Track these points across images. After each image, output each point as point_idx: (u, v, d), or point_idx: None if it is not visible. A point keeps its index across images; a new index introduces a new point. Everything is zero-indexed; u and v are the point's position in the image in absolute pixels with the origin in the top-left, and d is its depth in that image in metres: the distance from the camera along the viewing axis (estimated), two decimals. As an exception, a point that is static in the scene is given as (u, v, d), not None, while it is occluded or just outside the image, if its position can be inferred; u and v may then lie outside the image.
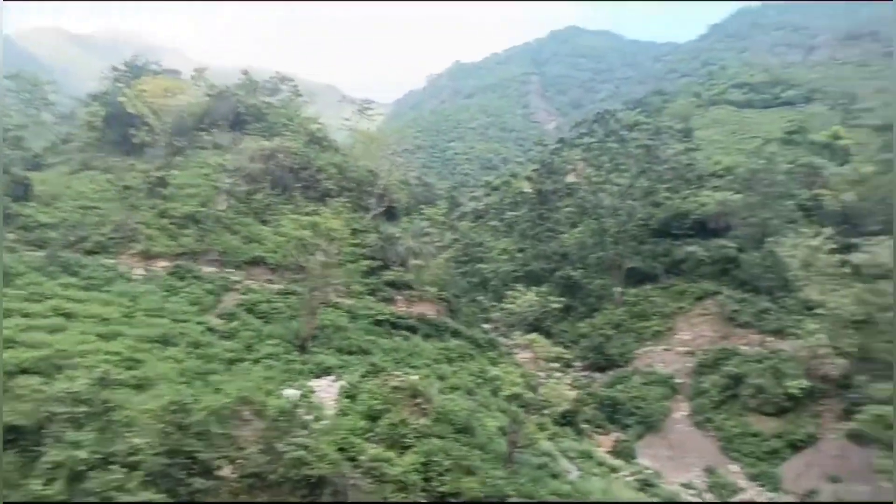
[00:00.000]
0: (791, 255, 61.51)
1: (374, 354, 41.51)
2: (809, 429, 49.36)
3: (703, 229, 74.35)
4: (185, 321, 38.71)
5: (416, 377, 35.28)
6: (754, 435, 50.34)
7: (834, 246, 62.38)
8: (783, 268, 62.34)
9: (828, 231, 64.64)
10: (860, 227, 66.14)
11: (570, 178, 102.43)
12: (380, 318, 48.85)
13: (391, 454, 28.59)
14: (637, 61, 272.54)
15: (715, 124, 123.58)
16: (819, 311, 57.50)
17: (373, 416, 31.00)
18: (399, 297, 55.01)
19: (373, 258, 54.71)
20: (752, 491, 45.46)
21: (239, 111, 74.50)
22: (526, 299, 61.98)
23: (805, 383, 50.95)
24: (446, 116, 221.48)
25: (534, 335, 56.13)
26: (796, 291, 61.16)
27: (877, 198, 69.03)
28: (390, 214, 67.64)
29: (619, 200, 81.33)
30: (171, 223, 51.29)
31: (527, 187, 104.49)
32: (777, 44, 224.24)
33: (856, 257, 61.70)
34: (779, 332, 58.80)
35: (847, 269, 62.38)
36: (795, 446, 48.65)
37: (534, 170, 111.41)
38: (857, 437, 43.53)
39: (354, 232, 52.87)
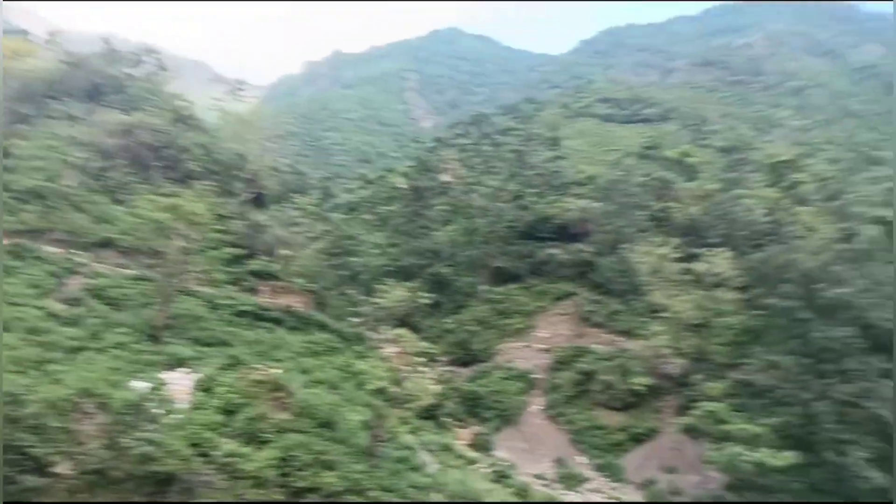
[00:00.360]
0: (641, 262, 66.19)
1: (235, 346, 39.97)
2: (651, 423, 53.39)
3: (566, 233, 78.14)
4: (21, 305, 35.32)
5: (279, 371, 34.39)
6: (601, 428, 53.71)
7: (679, 255, 67.87)
8: (634, 273, 66.85)
9: (674, 241, 70.17)
10: (703, 239, 72.31)
11: (445, 177, 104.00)
12: (242, 308, 47.11)
13: (247, 450, 27.68)
14: (512, 68, 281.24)
15: (581, 135, 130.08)
16: (663, 314, 62.43)
17: (230, 411, 29.85)
18: (264, 288, 53.34)
19: (238, 246, 52.66)
20: (597, 481, 48.43)
21: (96, 81, 68.97)
22: (396, 294, 62.21)
23: (648, 381, 54.98)
24: (323, 105, 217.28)
25: (402, 330, 56.61)
26: (645, 295, 65.84)
27: (718, 213, 75.78)
28: (259, 201, 65.43)
29: (489, 202, 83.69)
30: (11, 197, 46.57)
31: (402, 183, 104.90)
32: (639, 64, 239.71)
33: (697, 266, 67.58)
34: (627, 333, 63.03)
35: (689, 277, 68.14)
36: (638, 439, 52.43)
37: (410, 166, 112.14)
38: (691, 431, 47.55)
39: (219, 217, 50.65)
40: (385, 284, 63.86)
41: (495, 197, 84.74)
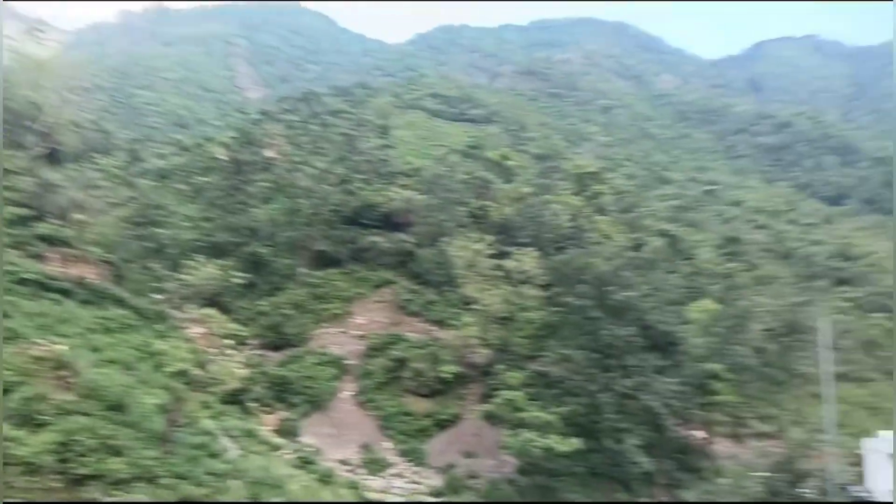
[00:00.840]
0: (458, 256, 68.90)
1: (13, 318, 35.51)
2: (455, 410, 55.82)
3: (389, 222, 79.02)
4: None
5: (64, 347, 31.12)
6: (408, 414, 55.18)
7: (492, 252, 71.57)
8: (451, 266, 69.36)
9: (489, 238, 73.88)
10: (514, 238, 76.80)
11: (269, 153, 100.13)
12: (25, 276, 41.97)
13: (21, 433, 24.80)
14: (347, 50, 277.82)
15: (410, 127, 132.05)
16: (474, 306, 65.55)
17: (3, 390, 26.50)
18: (53, 255, 47.91)
19: (24, 206, 46.77)
20: (400, 466, 49.72)
21: None
22: (206, 272, 58.97)
23: (455, 369, 57.40)
24: (138, 60, 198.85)
25: (210, 310, 53.79)
26: (459, 288, 68.59)
27: (529, 215, 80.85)
28: (54, 158, 58.55)
29: (315, 183, 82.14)
30: None
31: (221, 154, 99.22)
32: (470, 65, 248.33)
33: (508, 263, 71.70)
34: (440, 323, 65.32)
35: (500, 273, 72.08)
36: (442, 425, 54.58)
37: (232, 137, 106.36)
38: (490, 418, 50.42)
39: (4, 172, 44.56)
40: (194, 260, 60.27)
41: (321, 179, 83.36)
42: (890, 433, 54.35)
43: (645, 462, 47.60)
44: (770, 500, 39.67)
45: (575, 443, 44.88)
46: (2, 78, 55.27)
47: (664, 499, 49.54)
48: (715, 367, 56.63)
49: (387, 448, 51.70)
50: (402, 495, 45.98)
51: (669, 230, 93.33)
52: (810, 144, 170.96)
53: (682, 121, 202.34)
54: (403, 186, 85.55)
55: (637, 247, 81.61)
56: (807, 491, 36.64)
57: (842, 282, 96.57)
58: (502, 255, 72.89)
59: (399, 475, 48.59)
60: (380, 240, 74.95)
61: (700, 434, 60.21)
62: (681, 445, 57.24)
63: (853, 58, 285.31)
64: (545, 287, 70.33)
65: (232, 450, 37.96)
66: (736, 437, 59.72)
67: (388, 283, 71.21)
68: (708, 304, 74.48)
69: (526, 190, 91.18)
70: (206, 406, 41.79)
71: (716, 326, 62.37)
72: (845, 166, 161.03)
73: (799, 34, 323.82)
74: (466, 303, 66.70)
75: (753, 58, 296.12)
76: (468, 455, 51.41)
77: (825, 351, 68.46)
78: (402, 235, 76.12)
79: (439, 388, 57.21)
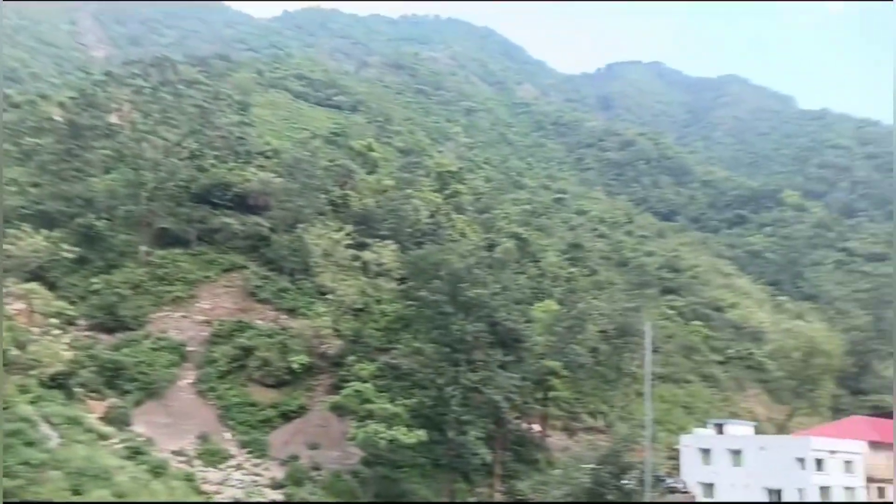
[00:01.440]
0: (316, 244, 67.59)
1: None
2: (302, 401, 54.80)
3: (243, 204, 75.70)
4: None
5: None
6: (252, 405, 53.38)
7: (351, 242, 70.99)
8: (307, 253, 67.89)
9: (348, 228, 73.18)
10: (374, 230, 76.66)
11: (113, 119, 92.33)
12: None
13: None
14: (208, 18, 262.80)
15: (272, 106, 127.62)
16: (329, 296, 64.66)
17: None
18: None
19: None
20: (241, 457, 48.03)
21: None
22: (31, 242, 53.49)
23: (305, 359, 56.32)
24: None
25: (34, 285, 48.97)
26: (314, 276, 67.31)
27: (390, 208, 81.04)
28: None
29: (162, 156, 76.83)
30: None
31: (58, 114, 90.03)
32: (338, 50, 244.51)
33: (365, 255, 71.49)
34: (292, 311, 63.74)
35: (357, 264, 71.69)
36: (287, 416, 53.38)
37: (70, 97, 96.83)
38: (338, 409, 49.98)
39: None
40: (19, 229, 54.44)
41: (170, 152, 78.09)
42: (702, 430, 60.69)
43: (485, 454, 49.49)
44: None
45: (420, 434, 45.68)
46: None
47: (499, 488, 51.83)
48: (554, 364, 59.97)
49: (227, 439, 49.75)
50: (240, 487, 44.48)
51: (521, 233, 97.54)
52: (649, 163, 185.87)
53: (538, 130, 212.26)
54: (261, 167, 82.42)
55: (490, 247, 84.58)
56: (628, 482, 39.87)
57: (668, 291, 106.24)
58: (361, 245, 72.51)
59: (238, 467, 46.95)
60: (232, 221, 71.59)
61: (537, 427, 63.66)
62: (519, 438, 60.21)
63: (691, 87, 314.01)
64: (401, 280, 70.91)
65: (53, 438, 34.86)
66: (569, 431, 63.82)
67: (238, 267, 68.23)
68: (551, 304, 78.79)
69: (388, 182, 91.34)
70: (23, 390, 38.05)
71: (556, 326, 66.04)
72: (678, 186, 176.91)
73: (647, 59, 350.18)
74: (321, 292, 65.64)
75: (605, 77, 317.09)
76: (313, 446, 50.74)
77: (650, 353, 74.81)
78: (256, 219, 73.26)
79: (287, 379, 55.85)
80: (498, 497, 51.49)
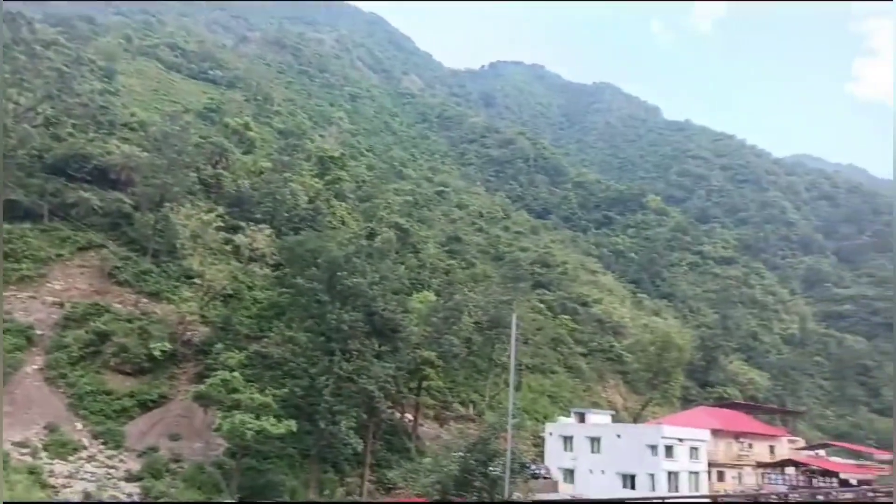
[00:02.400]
0: (183, 224, 63.99)
1: None
2: (163, 389, 51.71)
3: (104, 178, 70.09)
4: None
5: None
6: (107, 393, 49.70)
7: (222, 224, 67.88)
8: (173, 234, 64.17)
9: (220, 210, 69.91)
10: (248, 213, 73.78)
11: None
12: None
13: None
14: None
15: (140, 75, 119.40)
16: (196, 281, 61.45)
17: None
18: None
19: None
20: (93, 448, 44.67)
21: None
22: None
23: (168, 346, 53.18)
24: None
25: None
26: (180, 259, 63.76)
27: (267, 191, 78.31)
28: None
29: (13, 121, 69.58)
30: None
31: None
32: (215, 22, 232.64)
33: (238, 239, 68.65)
34: (155, 295, 59.95)
35: (229, 248, 68.73)
36: (147, 406, 50.19)
37: None
38: (202, 399, 47.62)
39: None
40: None
41: (22, 117, 70.93)
42: (566, 418, 63.63)
43: (356, 443, 49.12)
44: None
45: (290, 425, 44.53)
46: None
47: (370, 477, 51.71)
48: (429, 354, 60.60)
49: (78, 429, 46.03)
50: (92, 480, 41.36)
51: (402, 223, 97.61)
52: (527, 162, 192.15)
53: (422, 122, 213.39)
54: (125, 140, 76.75)
55: (371, 236, 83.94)
56: (495, 469, 40.93)
57: (540, 285, 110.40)
58: (233, 229, 69.57)
59: (91, 459, 43.62)
60: (90, 196, 66.02)
61: (409, 417, 64.08)
62: (391, 427, 60.32)
63: (568, 91, 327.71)
64: (276, 267, 68.80)
65: None
66: (441, 420, 64.77)
67: (95, 246, 63.04)
68: (428, 295, 79.57)
69: (265, 164, 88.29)
70: None
71: (433, 317, 66.77)
72: (552, 186, 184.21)
73: (528, 61, 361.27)
74: (188, 276, 62.33)
75: (489, 75, 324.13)
76: (174, 437, 48.13)
77: (515, 344, 77.46)
78: (118, 195, 68.03)
79: (147, 367, 52.45)
80: (367, 486, 51.35)
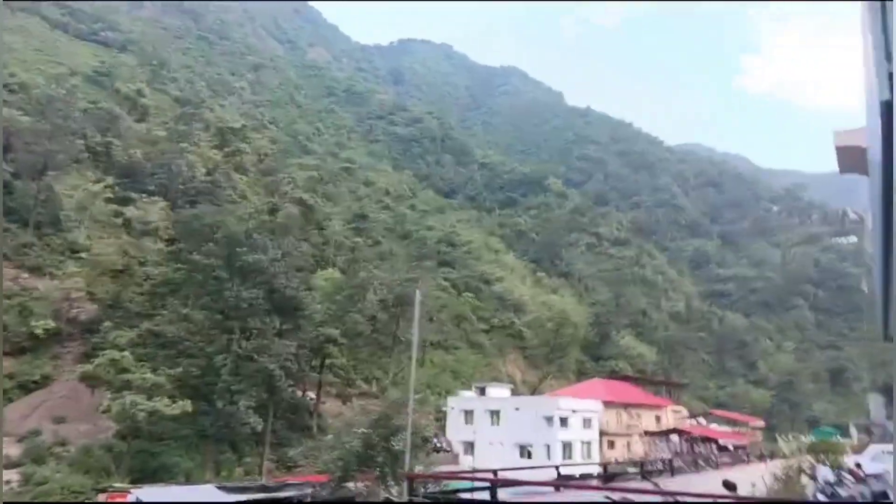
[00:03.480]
0: (69, 195, 60.11)
1: None
2: (46, 370, 48.77)
3: (-23, 143, 64.63)
4: None
5: None
6: (-18, 375, 46.33)
7: (112, 196, 64.26)
8: (58, 205, 60.21)
9: (110, 180, 66.09)
10: (140, 184, 70.16)
11: None
12: None
13: None
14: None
15: (21, 33, 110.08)
16: (83, 255, 57.99)
17: None
18: None
19: None
20: (-37, 435, 41.54)
21: None
22: None
23: (51, 324, 50.12)
24: None
25: None
26: (66, 232, 59.94)
27: (161, 161, 74.66)
28: None
29: None
30: None
31: None
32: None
33: (129, 212, 65.20)
34: (37, 270, 56.17)
35: (119, 221, 65.19)
36: (27, 388, 47.22)
37: None
38: (90, 380, 45.25)
39: None
40: None
41: None
42: (467, 392, 65.05)
43: (256, 423, 48.24)
44: None
45: (185, 405, 43.12)
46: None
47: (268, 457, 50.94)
48: (332, 332, 60.13)
49: (-54, 415, 42.64)
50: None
51: (306, 199, 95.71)
52: (434, 141, 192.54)
53: (329, 96, 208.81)
54: (4, 103, 70.86)
55: (273, 211, 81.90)
56: (397, 444, 41.31)
57: (445, 263, 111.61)
58: (124, 201, 66.01)
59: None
60: (-39, 163, 60.86)
61: (311, 395, 63.50)
62: (292, 406, 59.57)
63: (475, 73, 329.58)
64: (170, 242, 65.95)
65: None
66: (344, 398, 64.53)
67: (-33, 216, 58.32)
68: (333, 273, 78.80)
69: (160, 133, 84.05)
70: None
71: (337, 295, 66.23)
72: (458, 166, 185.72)
73: (437, 40, 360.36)
74: (73, 250, 58.70)
75: (397, 52, 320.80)
76: (58, 420, 45.52)
77: (424, 322, 78.17)
78: (-5, 162, 63.01)
79: (28, 346, 49.25)
80: (267, 465, 50.58)
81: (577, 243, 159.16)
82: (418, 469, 40.04)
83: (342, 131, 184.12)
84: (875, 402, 56.05)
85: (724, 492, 11.28)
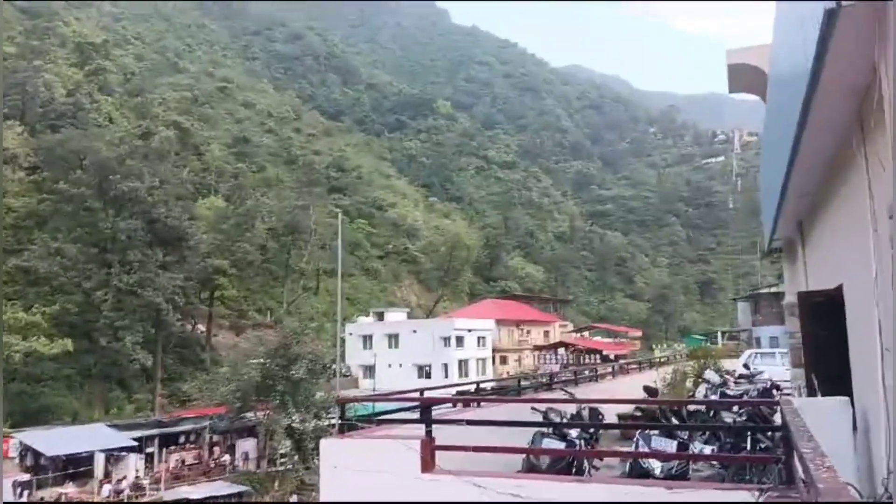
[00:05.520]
0: None
1: None
2: None
3: None
4: None
5: None
6: None
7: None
8: None
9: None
10: (-10, 106, 62.78)
11: None
12: None
13: None
14: None
15: None
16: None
17: None
18: None
19: None
20: None
21: None
22: None
23: None
24: None
25: None
26: None
27: (14, 82, 66.93)
28: None
29: None
30: None
31: None
32: None
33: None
34: None
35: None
36: None
37: None
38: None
39: None
40: None
41: None
42: (365, 318, 65.31)
43: (144, 358, 46.29)
44: None
45: (65, 344, 40.60)
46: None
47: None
48: (220, 262, 57.90)
49: None
50: None
51: (181, 122, 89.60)
52: (317, 60, 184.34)
53: (198, 9, 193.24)
54: None
55: (145, 135, 76.08)
56: (296, 372, 41.06)
57: (335, 189, 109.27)
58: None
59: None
60: None
61: (202, 328, 61.57)
62: (182, 340, 57.61)
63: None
64: (32, 170, 60.16)
65: None
66: (237, 329, 63.08)
67: None
68: (216, 201, 75.21)
69: (10, 50, 74.85)
70: None
71: (223, 224, 63.42)
72: (344, 86, 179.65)
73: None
74: None
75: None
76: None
77: (317, 250, 77.01)
78: None
79: None
80: (160, 401, 49.03)
81: (467, 167, 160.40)
82: (320, 395, 40.27)
83: (216, 48, 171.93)
84: (742, 310, 61.44)
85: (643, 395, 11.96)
